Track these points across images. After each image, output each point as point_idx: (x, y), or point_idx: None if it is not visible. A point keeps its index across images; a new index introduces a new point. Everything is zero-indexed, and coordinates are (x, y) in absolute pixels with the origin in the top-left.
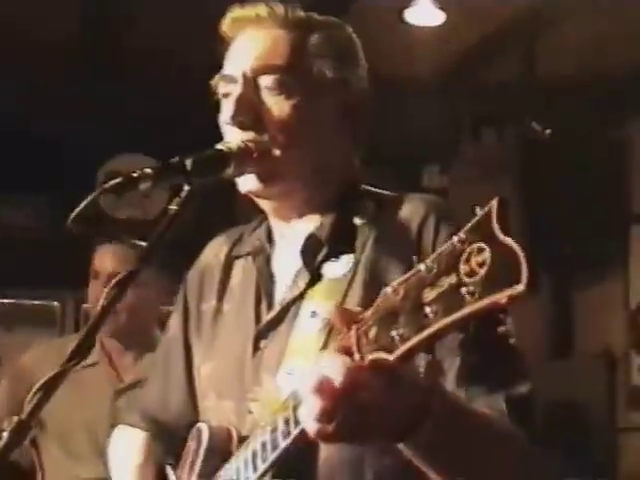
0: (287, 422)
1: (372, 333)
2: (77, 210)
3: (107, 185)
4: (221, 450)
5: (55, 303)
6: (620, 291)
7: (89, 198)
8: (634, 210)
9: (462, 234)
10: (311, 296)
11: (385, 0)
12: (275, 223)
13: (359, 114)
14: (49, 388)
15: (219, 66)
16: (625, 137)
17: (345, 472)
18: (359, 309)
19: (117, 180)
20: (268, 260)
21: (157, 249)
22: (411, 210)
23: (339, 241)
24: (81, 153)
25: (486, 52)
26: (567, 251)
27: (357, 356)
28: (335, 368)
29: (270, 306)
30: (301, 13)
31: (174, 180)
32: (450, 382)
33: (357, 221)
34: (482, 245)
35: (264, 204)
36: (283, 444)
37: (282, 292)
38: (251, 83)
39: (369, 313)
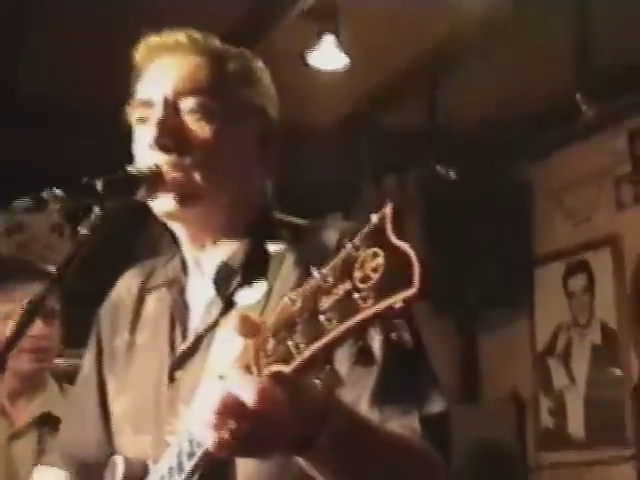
0: (191, 443)
1: (270, 345)
2: None
3: (15, 203)
4: None
5: None
6: (526, 333)
7: None
8: (537, 252)
9: (356, 241)
10: (224, 324)
11: (288, 42)
12: (189, 251)
13: (273, 142)
14: None
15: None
16: (527, 180)
17: None
18: (260, 319)
19: (27, 201)
20: (182, 290)
21: (68, 271)
22: (325, 236)
23: (252, 269)
24: None
25: (389, 97)
26: (472, 294)
27: (254, 370)
28: (235, 384)
29: (184, 336)
30: (217, 42)
31: (84, 202)
32: (364, 404)
33: (271, 248)
34: (376, 250)
35: (179, 229)
36: (188, 466)
37: (196, 322)
38: (172, 106)
39: (268, 324)
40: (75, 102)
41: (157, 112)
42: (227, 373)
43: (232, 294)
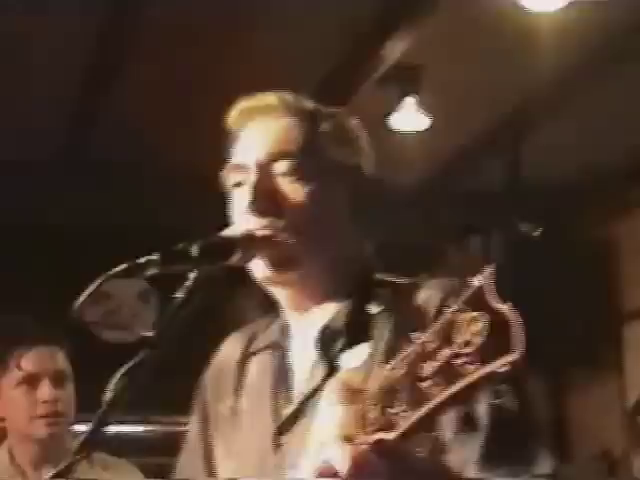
0: None
1: (373, 414)
2: (82, 296)
3: (113, 270)
4: None
5: None
6: (616, 391)
7: (94, 284)
8: (625, 308)
9: (456, 306)
10: (328, 388)
11: (369, 105)
12: (290, 315)
13: (369, 200)
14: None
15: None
16: (613, 236)
17: None
18: (362, 386)
19: (123, 265)
20: (284, 354)
21: (164, 336)
22: (428, 295)
23: (355, 331)
24: None
25: (470, 158)
26: (559, 352)
27: (357, 439)
28: (338, 456)
29: (289, 401)
30: (309, 103)
31: (179, 267)
32: (471, 468)
33: (373, 310)
34: (476, 314)
35: (279, 293)
36: None
37: (300, 386)
38: (266, 170)
39: (370, 391)
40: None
41: (252, 176)
42: (326, 441)
43: (335, 357)
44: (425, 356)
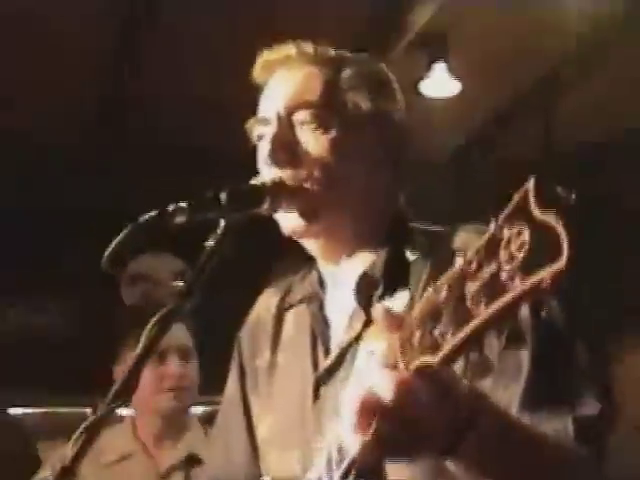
0: (340, 450)
1: (416, 338)
2: (112, 247)
3: (142, 219)
4: None
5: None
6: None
7: (124, 233)
8: None
9: (499, 221)
10: (368, 336)
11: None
12: (324, 266)
13: (399, 147)
14: (92, 431)
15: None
16: None
17: None
18: (403, 313)
19: (151, 214)
20: (321, 306)
21: (197, 285)
22: (464, 240)
23: (393, 278)
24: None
25: (503, 123)
26: (606, 320)
27: (401, 365)
28: (382, 384)
29: (327, 352)
30: (331, 51)
31: (209, 214)
32: (514, 407)
33: (410, 256)
34: (519, 228)
35: (311, 246)
36: (337, 474)
37: (338, 336)
38: (285, 122)
39: (412, 317)
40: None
41: (271, 128)
42: (373, 372)
43: (374, 305)
44: (468, 276)
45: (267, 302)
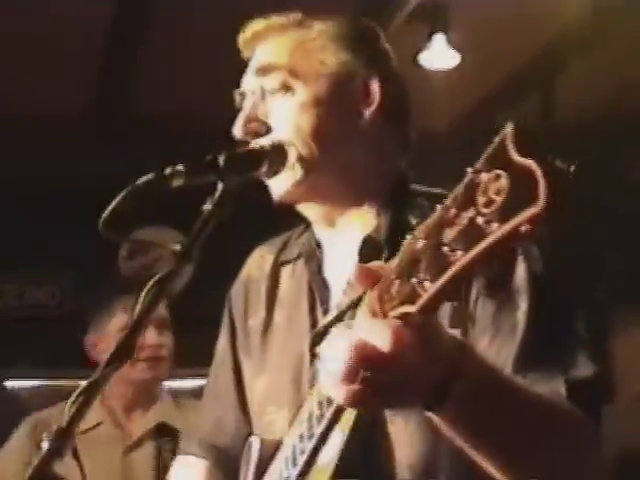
0: (320, 405)
1: (394, 287)
2: (108, 210)
3: (139, 181)
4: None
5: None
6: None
7: (120, 195)
8: None
9: (477, 165)
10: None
11: (398, 45)
12: (322, 231)
13: (388, 104)
14: (89, 394)
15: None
16: None
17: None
18: (380, 265)
19: (149, 176)
20: (319, 266)
21: (194, 248)
22: None
23: (397, 242)
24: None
25: (503, 96)
26: (602, 290)
27: (379, 314)
28: (365, 329)
29: (326, 312)
30: (299, 15)
31: (207, 178)
32: (507, 367)
33: (413, 220)
34: (498, 172)
35: (307, 210)
36: (318, 430)
37: (337, 298)
38: (258, 93)
39: (390, 267)
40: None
41: (247, 101)
42: (358, 320)
43: None
44: (446, 222)
45: (259, 261)
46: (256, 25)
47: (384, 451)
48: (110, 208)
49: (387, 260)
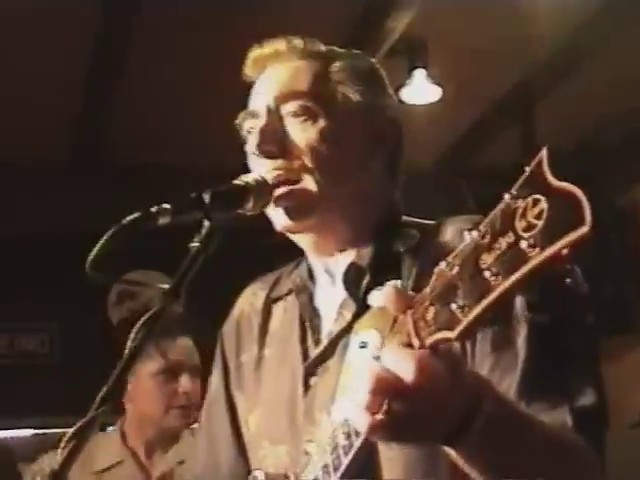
0: (348, 435)
1: (430, 314)
2: (94, 251)
3: (125, 220)
4: None
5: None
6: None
7: (106, 236)
8: None
9: (513, 191)
10: (360, 326)
11: None
12: (316, 259)
13: (392, 141)
14: (81, 437)
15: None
16: (630, 203)
17: None
18: (413, 293)
19: (135, 215)
20: (311, 297)
21: (182, 285)
22: (454, 232)
23: (382, 268)
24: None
25: (485, 128)
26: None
27: (416, 342)
28: (391, 358)
29: (318, 342)
30: (321, 45)
31: (193, 215)
32: (509, 397)
33: (400, 248)
34: (537, 196)
35: (302, 240)
36: (346, 460)
37: (329, 327)
38: (274, 114)
39: (424, 293)
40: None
41: (261, 120)
42: (388, 350)
43: (365, 296)
44: (483, 248)
45: (251, 297)
46: (271, 46)
47: (376, 470)
48: (96, 249)
49: (371, 284)
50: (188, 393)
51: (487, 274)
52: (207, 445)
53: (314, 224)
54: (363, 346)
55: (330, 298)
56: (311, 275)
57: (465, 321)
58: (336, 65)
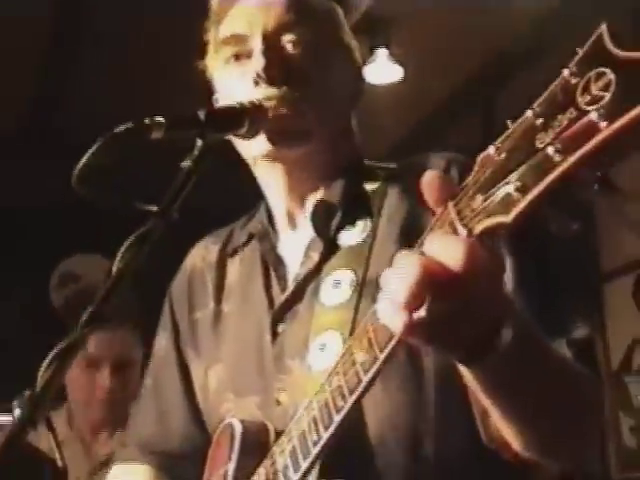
0: (342, 396)
1: (477, 202)
2: (82, 161)
3: (116, 131)
4: (258, 444)
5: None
6: (599, 351)
7: (96, 145)
8: (604, 267)
9: (572, 66)
10: (331, 267)
11: None
12: (281, 203)
13: (362, 84)
14: (64, 358)
15: None
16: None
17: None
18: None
19: (127, 126)
20: (272, 243)
21: (174, 205)
22: (431, 164)
23: (352, 206)
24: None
25: (447, 110)
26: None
27: (462, 230)
28: (437, 246)
29: (284, 289)
30: None
31: (187, 132)
32: None
33: (369, 187)
34: (601, 69)
35: (275, 174)
36: (338, 418)
37: (294, 271)
38: (274, 40)
39: (467, 183)
40: None
41: (257, 45)
42: (431, 237)
43: (334, 235)
44: (538, 128)
45: (203, 251)
46: None
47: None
48: (84, 159)
49: (341, 224)
50: (105, 388)
51: (549, 151)
52: (155, 410)
53: (297, 156)
54: (337, 286)
55: (294, 242)
56: (270, 221)
57: (525, 200)
58: (317, 5)
